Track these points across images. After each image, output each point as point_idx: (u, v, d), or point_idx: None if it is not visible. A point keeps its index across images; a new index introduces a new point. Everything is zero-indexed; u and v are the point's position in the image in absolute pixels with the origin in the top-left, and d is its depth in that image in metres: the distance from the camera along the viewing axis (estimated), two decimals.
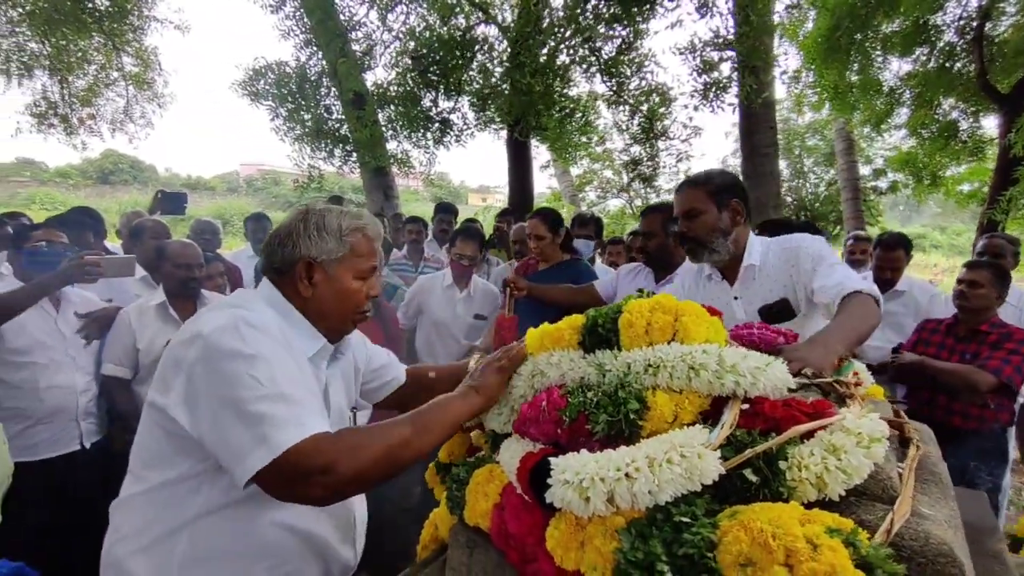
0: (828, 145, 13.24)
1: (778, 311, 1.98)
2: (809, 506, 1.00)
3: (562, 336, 1.32)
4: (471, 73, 4.88)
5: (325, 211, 1.41)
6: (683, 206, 2.05)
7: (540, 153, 6.46)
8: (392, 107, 5.84)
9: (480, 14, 4.90)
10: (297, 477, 1.09)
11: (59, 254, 2.80)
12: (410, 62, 5.36)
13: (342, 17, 6.19)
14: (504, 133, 5.46)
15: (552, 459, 1.07)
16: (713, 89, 4.35)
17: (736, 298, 2.10)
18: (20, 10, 7.36)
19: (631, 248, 4.39)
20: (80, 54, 8.62)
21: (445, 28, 4.92)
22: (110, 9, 7.66)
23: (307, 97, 6.36)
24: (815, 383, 1.35)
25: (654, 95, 4.73)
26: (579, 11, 4.04)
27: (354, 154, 6.84)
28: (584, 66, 5.23)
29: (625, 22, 4.32)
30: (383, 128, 6.26)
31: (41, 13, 7.28)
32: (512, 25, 4.46)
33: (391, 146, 6.72)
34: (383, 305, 3.36)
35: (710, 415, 1.16)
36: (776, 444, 1.03)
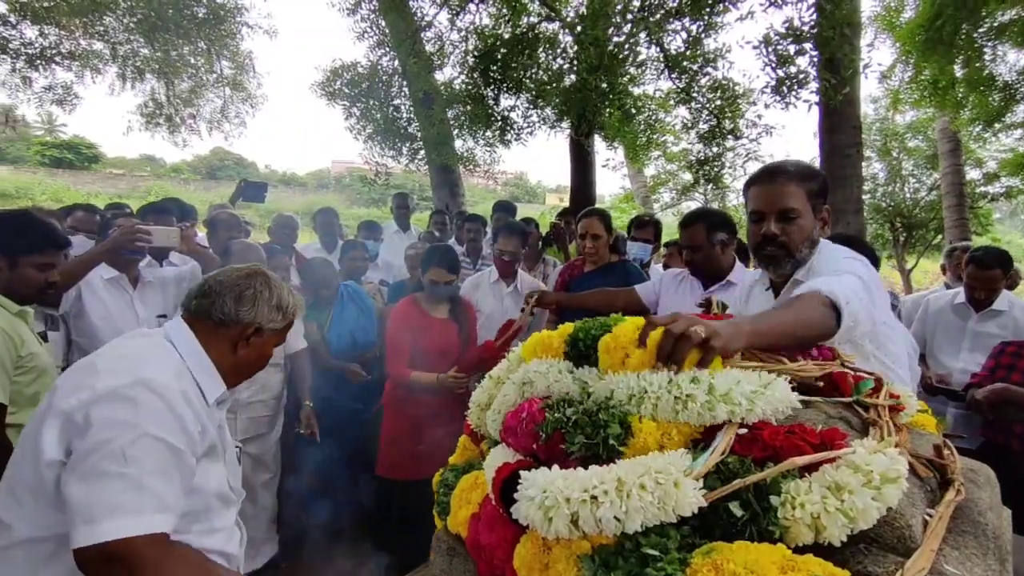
0: (931, 146, 12.07)
1: None
2: (805, 550, 0.90)
3: (552, 344, 1.26)
4: (531, 71, 4.83)
5: (279, 287, 1.54)
6: (780, 203, 1.65)
7: (611, 153, 6.32)
8: (459, 106, 5.91)
9: (544, 10, 4.84)
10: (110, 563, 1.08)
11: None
12: (473, 60, 5.40)
13: (414, 18, 6.34)
14: (567, 132, 5.38)
15: (523, 472, 1.02)
16: (787, 84, 4.03)
17: None
18: (133, 18, 8.12)
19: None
20: (181, 59, 9.37)
21: (508, 26, 4.90)
22: (207, 16, 8.29)
23: (378, 96, 6.56)
24: (835, 401, 1.21)
25: (722, 92, 4.46)
26: (643, 8, 3.89)
27: (421, 152, 7.01)
28: (643, 62, 5.04)
29: (693, 17, 4.11)
30: (450, 126, 6.35)
31: (147, 20, 8.00)
32: (575, 21, 4.37)
33: (457, 144, 6.83)
34: (464, 308, 3.38)
35: (703, 438, 1.06)
36: (768, 476, 0.93)
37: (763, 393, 1.04)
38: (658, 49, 4.56)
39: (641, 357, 1.11)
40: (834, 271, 1.54)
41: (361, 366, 3.54)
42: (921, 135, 12.86)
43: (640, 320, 1.18)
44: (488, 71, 4.91)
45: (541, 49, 4.35)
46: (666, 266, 4.58)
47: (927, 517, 0.99)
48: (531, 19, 4.92)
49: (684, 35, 4.40)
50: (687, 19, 4.26)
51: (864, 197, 13.78)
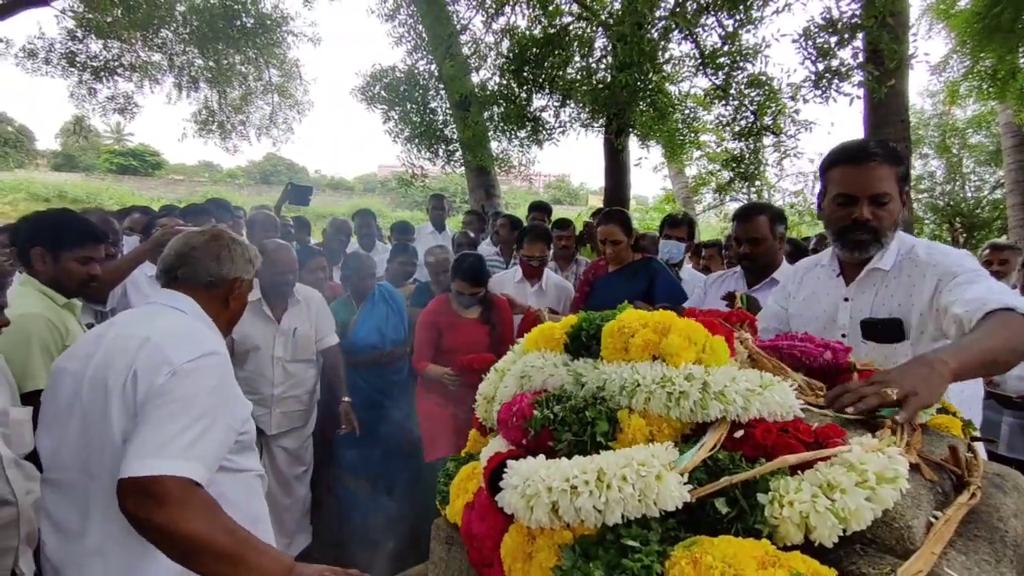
0: (995, 141, 11.33)
1: (884, 330, 1.67)
2: (797, 548, 0.87)
3: (553, 336, 1.26)
4: (562, 70, 4.80)
5: (241, 241, 1.76)
6: (873, 187, 1.61)
7: (643, 152, 6.17)
8: (495, 107, 5.94)
9: (578, 9, 4.81)
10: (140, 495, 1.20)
11: None
12: (504, 61, 5.43)
13: (451, 21, 6.42)
14: (600, 131, 5.33)
15: (509, 461, 1.02)
16: (827, 77, 3.84)
17: (847, 300, 1.78)
18: (186, 30, 8.56)
19: (728, 251, 4.01)
20: (231, 69, 9.77)
21: (541, 27, 4.90)
22: (254, 27, 8.63)
23: (416, 100, 6.67)
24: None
25: (759, 87, 4.30)
26: (677, 3, 3.79)
27: (457, 153, 7.09)
28: (677, 59, 4.95)
29: (728, 11, 3.99)
30: (486, 127, 6.38)
31: (199, 31, 8.41)
32: (607, 19, 4.32)
33: (493, 146, 6.86)
34: (499, 310, 3.39)
35: (695, 433, 1.04)
36: (756, 474, 0.90)
37: (760, 394, 1.01)
38: (692, 45, 4.47)
39: (645, 336, 1.10)
40: (970, 270, 1.51)
41: (389, 363, 3.60)
42: (984, 130, 12.10)
43: (638, 314, 1.17)
44: (520, 71, 4.92)
45: (574, 47, 4.32)
46: (707, 268, 4.48)
47: (932, 520, 0.94)
48: (565, 19, 4.90)
49: (719, 30, 4.29)
50: (723, 14, 4.15)
51: (920, 196, 13.14)
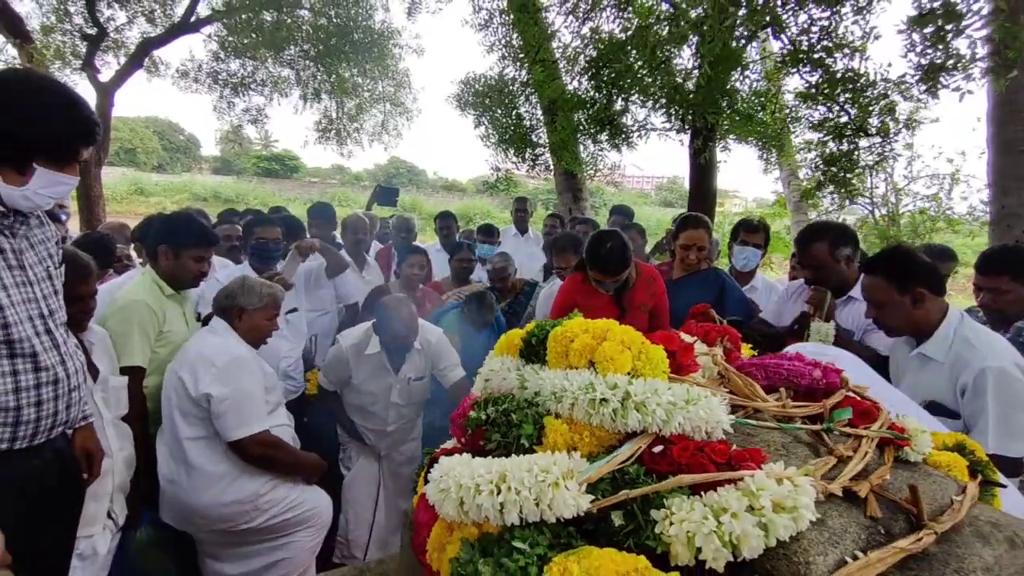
0: None
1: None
2: (692, 572, 0.86)
3: (512, 342, 1.31)
4: (639, 72, 4.69)
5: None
6: (866, 293, 2.10)
7: (726, 156, 5.77)
8: (581, 112, 5.95)
9: (665, 8, 4.68)
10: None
11: (275, 248, 3.52)
12: (586, 63, 5.44)
13: (540, 28, 6.52)
14: (685, 134, 5.12)
15: (441, 457, 1.10)
16: (934, 70, 3.37)
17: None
18: (306, 46, 9.50)
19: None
20: (349, 80, 10.62)
21: (620, 27, 4.82)
22: (364, 41, 9.35)
23: (505, 105, 6.86)
24: (804, 428, 1.10)
25: (855, 83, 3.88)
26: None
27: (542, 157, 7.18)
28: (767, 56, 4.63)
29: (826, 4, 3.66)
30: (574, 130, 6.40)
31: (316, 47, 9.30)
32: (698, 18, 4.14)
33: (580, 150, 6.87)
34: (644, 274, 3.00)
35: (622, 445, 1.05)
36: (652, 490, 0.91)
37: (684, 408, 1.01)
38: (786, 41, 4.15)
39: (583, 341, 1.13)
40: (1004, 399, 1.76)
41: None
42: None
43: (585, 322, 1.19)
44: (599, 74, 4.90)
45: (652, 48, 4.21)
46: (794, 278, 4.20)
47: (849, 559, 0.88)
48: (652, 20, 4.79)
49: (808, 22, 3.95)
50: (820, 7, 3.81)
51: None
